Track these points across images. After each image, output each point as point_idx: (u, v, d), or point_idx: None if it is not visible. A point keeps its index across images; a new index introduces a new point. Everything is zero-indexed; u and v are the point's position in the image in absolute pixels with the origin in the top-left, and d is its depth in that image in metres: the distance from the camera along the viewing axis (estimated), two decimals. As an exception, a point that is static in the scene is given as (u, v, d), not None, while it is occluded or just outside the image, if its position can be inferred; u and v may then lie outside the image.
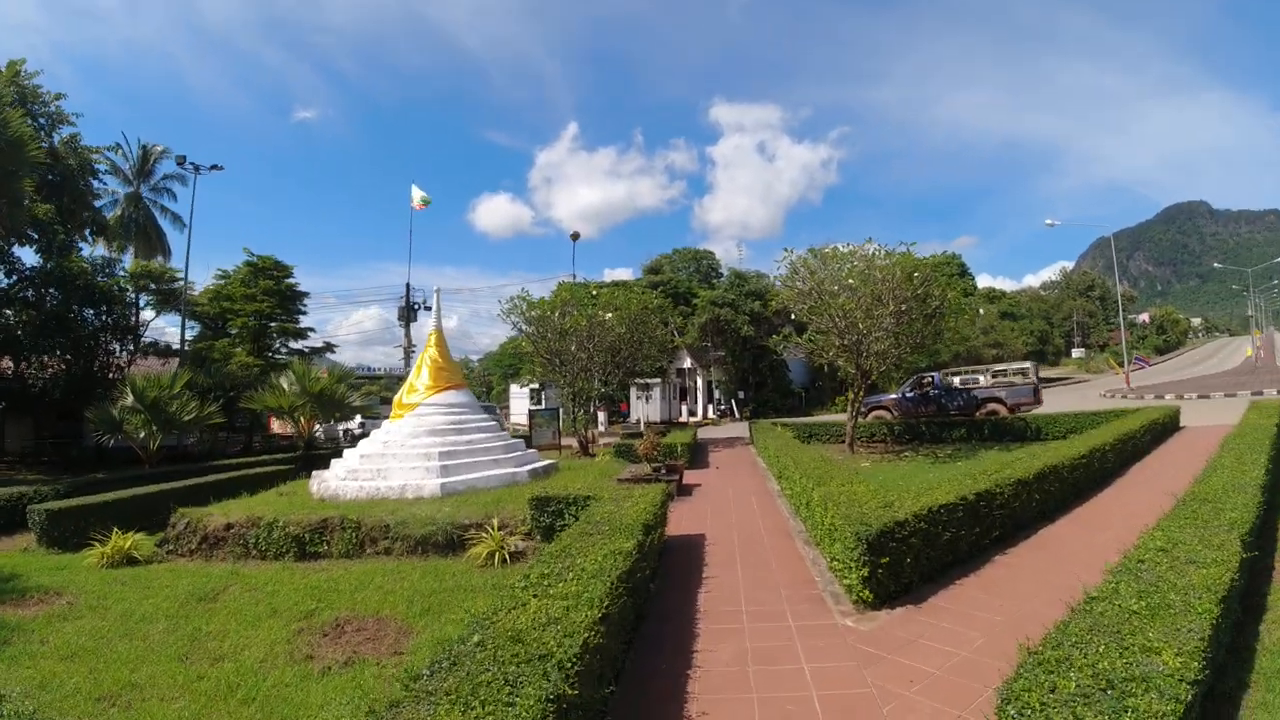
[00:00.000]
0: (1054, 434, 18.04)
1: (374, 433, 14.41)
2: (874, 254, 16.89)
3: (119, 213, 35.04)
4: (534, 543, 9.16)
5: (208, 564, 9.91)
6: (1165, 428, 16.98)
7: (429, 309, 15.73)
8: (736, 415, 39.43)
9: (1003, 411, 22.85)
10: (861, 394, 18.38)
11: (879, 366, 17.40)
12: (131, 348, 29.05)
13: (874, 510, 6.56)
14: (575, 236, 40.52)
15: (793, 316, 19.88)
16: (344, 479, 12.60)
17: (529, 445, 17.86)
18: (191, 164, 30.96)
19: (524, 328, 21.91)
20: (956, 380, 25.56)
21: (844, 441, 18.64)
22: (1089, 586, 4.49)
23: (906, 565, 6.32)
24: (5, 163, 16.97)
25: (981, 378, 25.79)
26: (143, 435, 19.38)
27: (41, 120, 22.42)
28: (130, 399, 19.44)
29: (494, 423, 15.30)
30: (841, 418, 21.24)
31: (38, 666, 5.93)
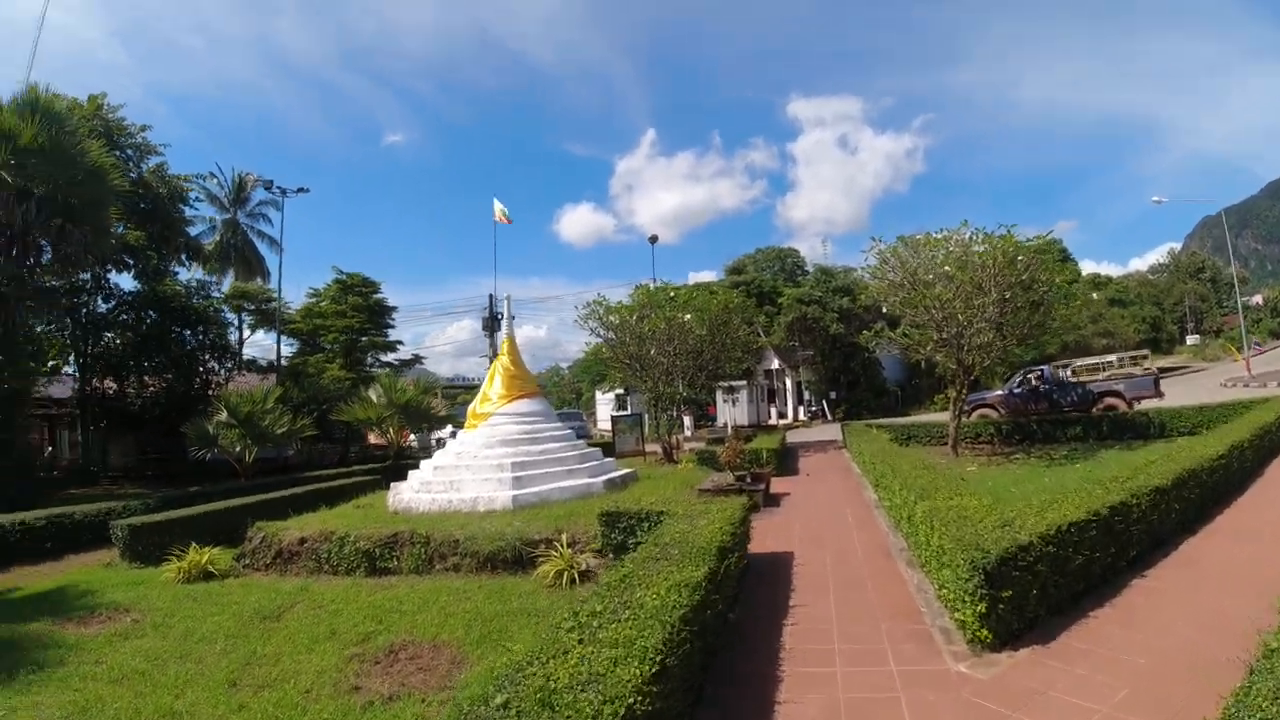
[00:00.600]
0: (1179, 429, 16.45)
1: (448, 444, 14.17)
2: (970, 239, 15.57)
3: (218, 238, 36.89)
4: (605, 560, 8.54)
5: (281, 579, 9.83)
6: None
7: (513, 317, 15.50)
8: (828, 417, 37.95)
9: (1121, 406, 20.87)
10: (964, 391, 17.01)
11: (982, 361, 16.04)
12: (230, 365, 30.31)
13: (990, 531, 5.58)
14: (653, 240, 39.95)
15: (884, 310, 18.66)
16: (418, 491, 12.34)
17: (613, 452, 17.35)
18: (279, 188, 32.26)
19: (602, 333, 21.51)
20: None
21: (946, 443, 17.29)
22: (1261, 627, 3.50)
23: (1032, 598, 5.32)
24: (88, 192, 17.67)
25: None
26: (238, 449, 19.94)
27: (129, 151, 23.44)
28: (224, 414, 20.04)
29: (569, 431, 14.83)
30: (942, 417, 19.80)
31: (85, 689, 5.83)
